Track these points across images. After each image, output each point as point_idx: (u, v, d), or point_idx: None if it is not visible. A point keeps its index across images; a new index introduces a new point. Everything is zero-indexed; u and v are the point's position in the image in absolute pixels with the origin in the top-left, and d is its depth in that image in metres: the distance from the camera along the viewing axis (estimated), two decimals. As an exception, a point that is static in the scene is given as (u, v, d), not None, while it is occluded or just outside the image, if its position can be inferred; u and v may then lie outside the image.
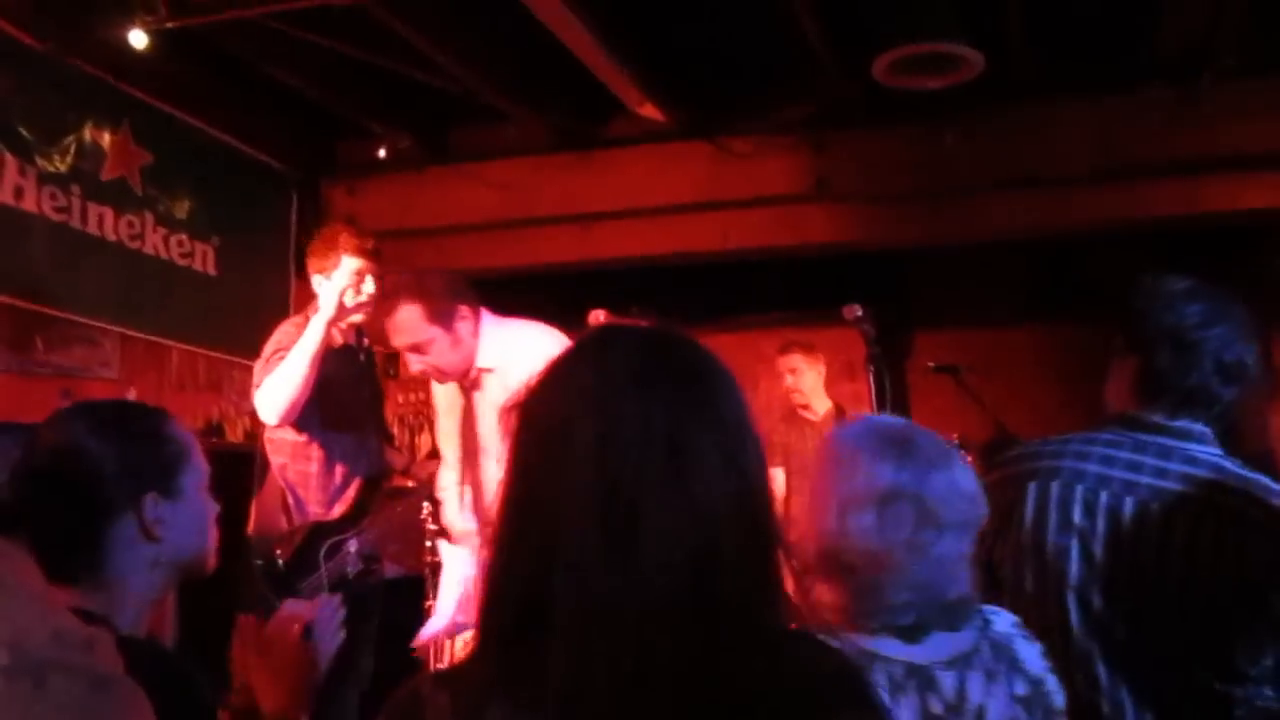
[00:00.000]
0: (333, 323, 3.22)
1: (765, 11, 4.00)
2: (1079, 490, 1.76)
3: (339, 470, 3.37)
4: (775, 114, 4.88)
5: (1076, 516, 1.75)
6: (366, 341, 3.56)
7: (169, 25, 3.79)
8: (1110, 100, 4.57)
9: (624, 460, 0.89)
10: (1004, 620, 1.47)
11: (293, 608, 1.59)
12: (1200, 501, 1.68)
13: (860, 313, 3.49)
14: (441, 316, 3.05)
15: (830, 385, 5.39)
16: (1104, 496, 1.74)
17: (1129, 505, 1.72)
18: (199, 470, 1.56)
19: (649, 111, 4.72)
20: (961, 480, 1.43)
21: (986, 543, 1.74)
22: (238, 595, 3.18)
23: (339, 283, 3.21)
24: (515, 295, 5.86)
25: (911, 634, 1.40)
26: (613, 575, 0.87)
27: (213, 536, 1.58)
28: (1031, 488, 1.80)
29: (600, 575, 0.87)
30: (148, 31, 3.80)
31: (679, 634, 0.86)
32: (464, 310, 3.11)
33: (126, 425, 1.52)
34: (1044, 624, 1.64)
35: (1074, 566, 1.73)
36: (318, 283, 3.31)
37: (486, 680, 0.92)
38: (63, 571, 1.41)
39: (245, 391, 4.95)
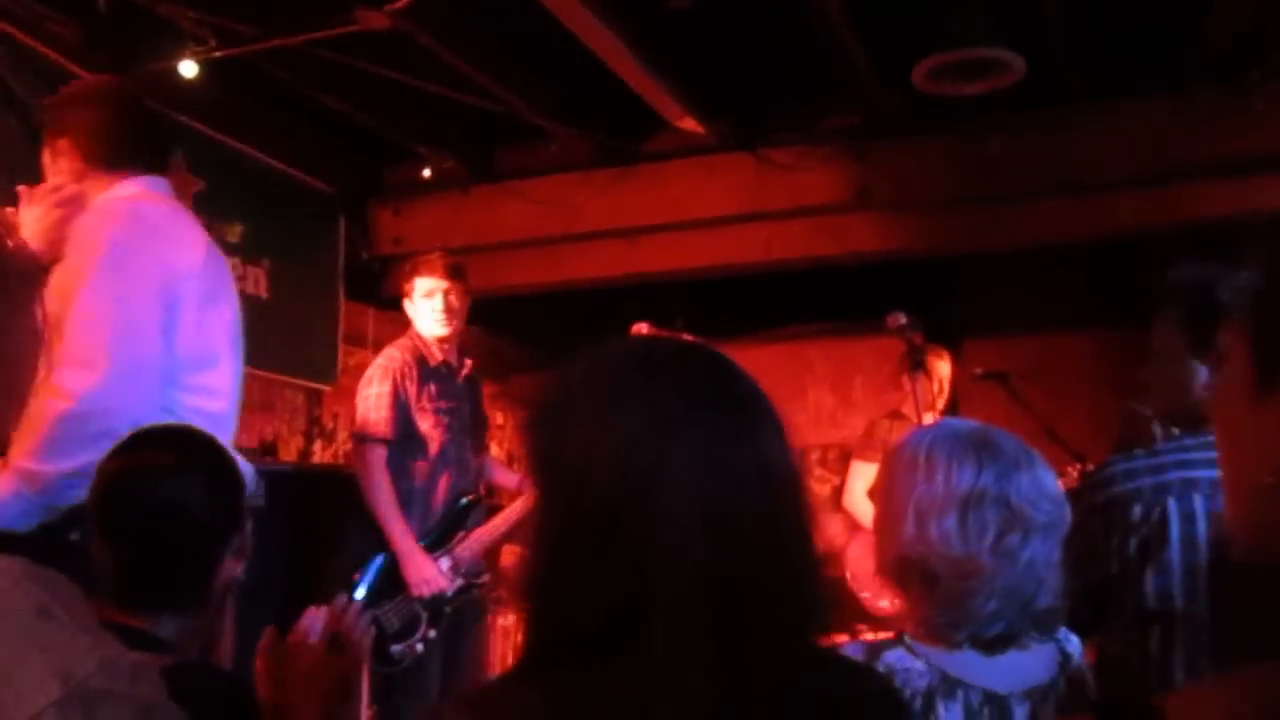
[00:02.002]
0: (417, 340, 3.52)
1: (802, 22, 4.00)
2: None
3: (441, 487, 3.46)
4: (815, 124, 4.88)
5: None
6: (469, 361, 3.67)
7: (217, 55, 3.88)
8: (1156, 101, 4.50)
9: (720, 486, 0.89)
10: (1077, 648, 1.43)
11: (313, 616, 1.43)
12: None
13: (904, 321, 3.49)
14: None
15: (877, 394, 5.37)
16: None
17: None
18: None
19: (688, 125, 4.74)
20: (1046, 481, 1.38)
21: (1105, 566, 1.70)
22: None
23: (420, 302, 3.53)
24: (562, 310, 5.95)
25: (997, 646, 1.35)
26: (710, 599, 0.86)
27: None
28: (1171, 503, 1.70)
29: (699, 597, 0.86)
30: (197, 61, 3.89)
31: (762, 660, 0.86)
32: None
33: (214, 456, 1.57)
34: (1190, 639, 1.60)
35: None
36: (407, 305, 3.62)
37: (529, 704, 0.89)
38: (156, 600, 1.46)
39: (298, 410, 5.06)
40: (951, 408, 4.77)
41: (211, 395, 2.31)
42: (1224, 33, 4.07)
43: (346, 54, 4.15)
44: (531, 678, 0.92)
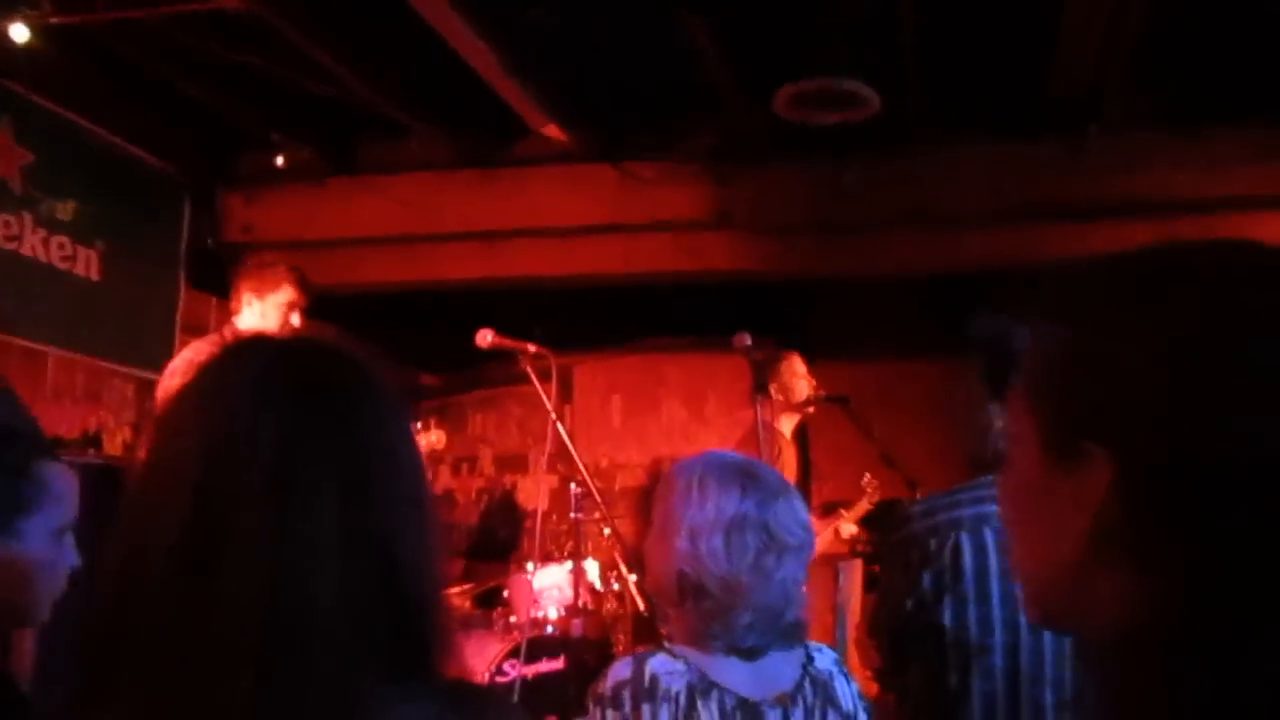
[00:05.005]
0: None
1: (669, 40, 4.03)
2: None
3: None
4: (679, 141, 4.91)
5: None
6: None
7: (53, 21, 3.67)
8: (1003, 145, 4.70)
9: (219, 481, 0.78)
10: (826, 658, 1.56)
11: None
12: None
13: (749, 342, 3.52)
14: None
15: (729, 411, 5.44)
16: None
17: None
18: (54, 519, 1.48)
19: (553, 132, 4.71)
20: (799, 509, 1.53)
21: (904, 592, 1.75)
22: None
23: (269, 309, 3.42)
24: (418, 310, 5.84)
25: (752, 654, 1.48)
26: (185, 615, 0.75)
27: (46, 589, 1.47)
28: (964, 537, 1.75)
29: (172, 614, 0.76)
30: (30, 26, 3.67)
31: (251, 693, 0.74)
32: None
33: None
34: (986, 669, 1.65)
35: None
36: (247, 300, 3.48)
37: None
38: None
39: (126, 401, 4.82)
40: (799, 431, 4.85)
41: None
42: (1065, 87, 4.26)
43: (199, 34, 3.99)
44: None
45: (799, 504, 1.54)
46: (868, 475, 4.81)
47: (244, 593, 0.75)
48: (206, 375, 0.86)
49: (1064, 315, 0.66)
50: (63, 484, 1.48)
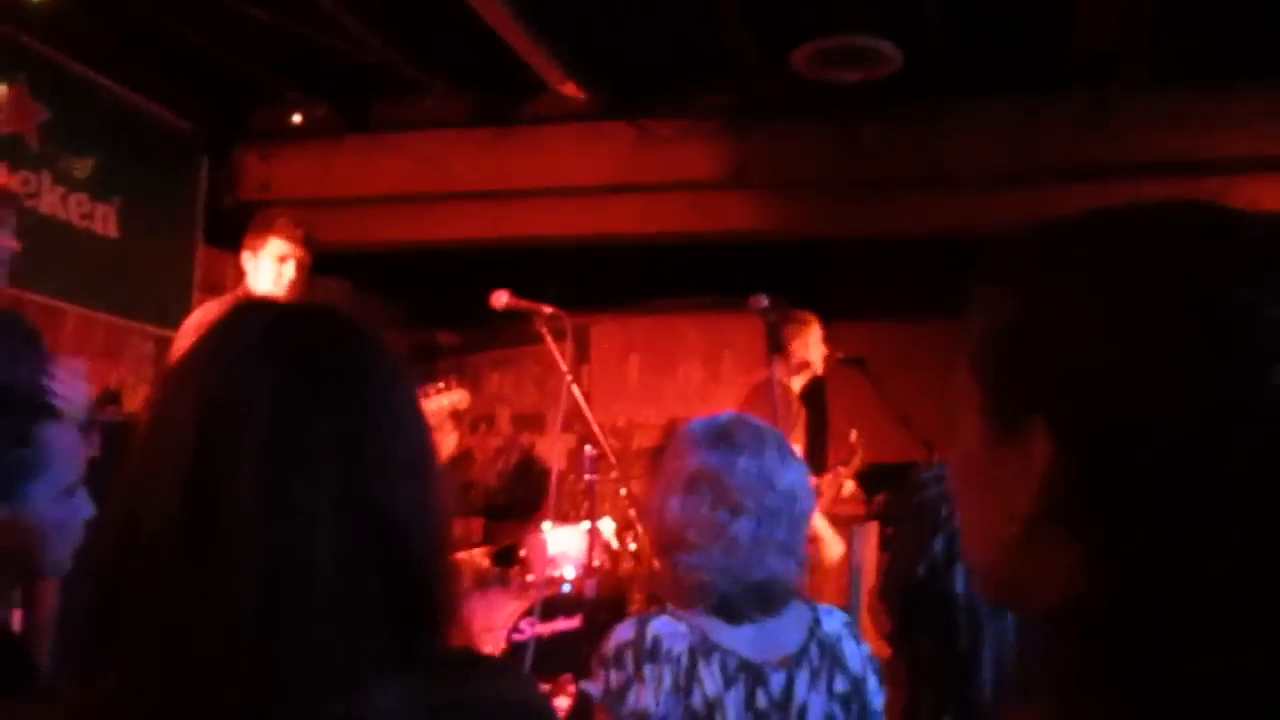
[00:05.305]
0: None
1: (687, -3, 3.98)
2: None
3: None
4: (697, 99, 4.87)
5: None
6: None
7: (69, -22, 3.65)
8: (1023, 104, 4.63)
9: (215, 445, 0.76)
10: (835, 621, 1.56)
11: None
12: None
13: (766, 303, 3.51)
14: None
15: (747, 370, 5.43)
16: None
17: None
18: (60, 479, 1.49)
19: (570, 90, 4.67)
20: (772, 469, 1.50)
21: (916, 557, 1.75)
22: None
23: (263, 263, 3.36)
24: (432, 269, 5.84)
25: (728, 615, 1.47)
26: (180, 583, 0.74)
27: (62, 545, 1.48)
28: None
29: (167, 582, 0.75)
30: (46, -16, 3.66)
31: (247, 660, 0.73)
32: None
33: None
34: (997, 635, 1.67)
35: None
36: (246, 259, 3.44)
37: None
38: None
39: (146, 358, 4.85)
40: (818, 391, 4.84)
41: None
42: (1087, 45, 4.19)
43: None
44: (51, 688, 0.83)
45: (778, 466, 1.51)
46: (854, 432, 4.80)
47: (240, 559, 0.75)
48: (205, 339, 0.85)
49: (1007, 283, 0.64)
50: (66, 443, 1.49)
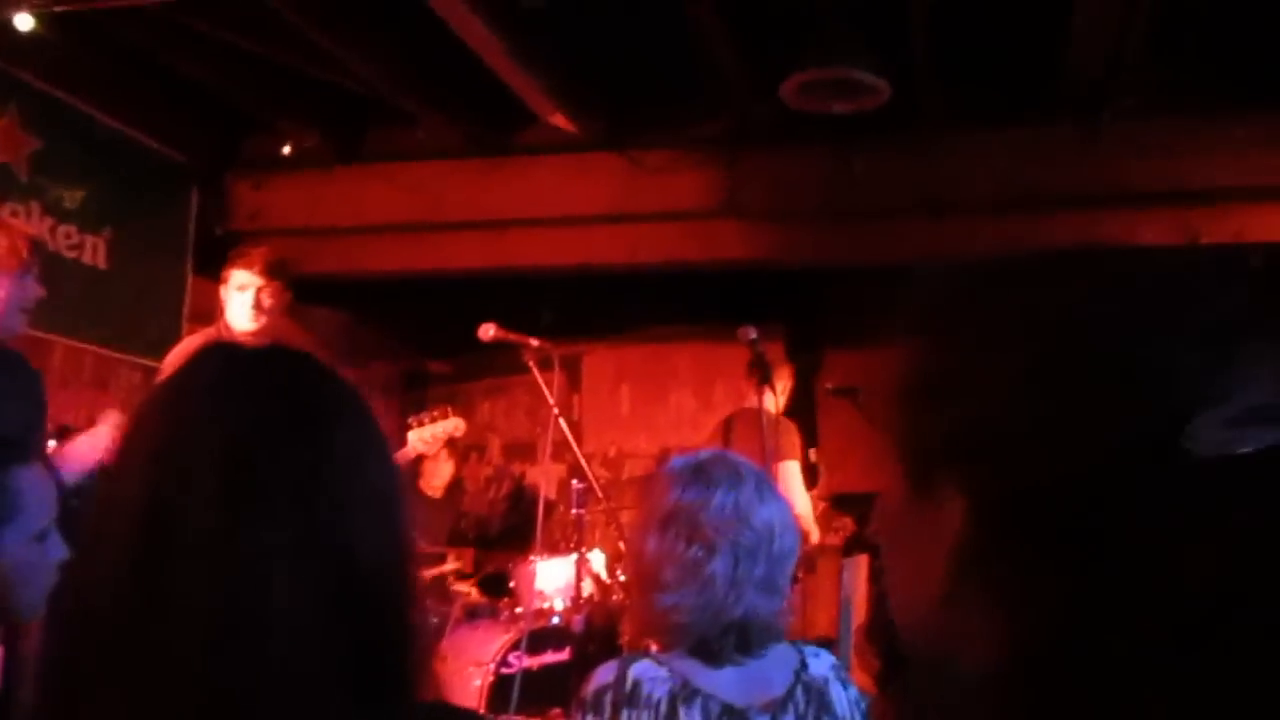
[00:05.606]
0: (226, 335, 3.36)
1: (677, 27, 3.98)
2: None
3: None
4: (687, 129, 4.87)
5: None
6: None
7: (57, 9, 3.65)
8: (1014, 133, 4.64)
9: (170, 487, 0.75)
10: (822, 663, 1.52)
11: None
12: None
13: (754, 335, 3.51)
14: None
15: (738, 399, 5.40)
16: None
17: None
18: (31, 524, 1.47)
19: (559, 121, 4.68)
20: (749, 504, 1.46)
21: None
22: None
23: (230, 295, 3.37)
24: (425, 299, 5.83)
25: (707, 656, 1.44)
26: (136, 627, 0.73)
27: (35, 589, 1.46)
28: None
29: (122, 627, 0.73)
30: (35, 14, 3.66)
31: (203, 710, 0.71)
32: None
33: None
34: None
35: None
36: (222, 291, 3.45)
37: None
38: None
39: (134, 389, 4.82)
40: (809, 420, 4.82)
41: None
42: (1078, 74, 4.21)
43: (207, 20, 3.97)
44: None
45: (761, 500, 1.48)
46: (813, 451, 4.78)
47: (191, 608, 0.73)
48: (163, 386, 0.85)
49: (915, 331, 0.61)
50: (37, 488, 1.47)
